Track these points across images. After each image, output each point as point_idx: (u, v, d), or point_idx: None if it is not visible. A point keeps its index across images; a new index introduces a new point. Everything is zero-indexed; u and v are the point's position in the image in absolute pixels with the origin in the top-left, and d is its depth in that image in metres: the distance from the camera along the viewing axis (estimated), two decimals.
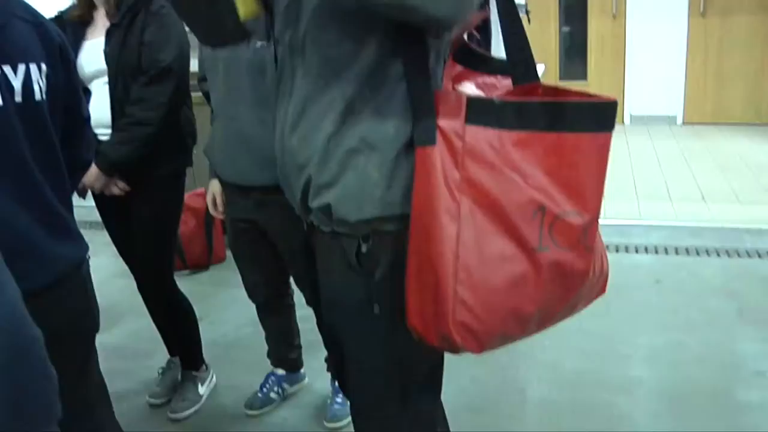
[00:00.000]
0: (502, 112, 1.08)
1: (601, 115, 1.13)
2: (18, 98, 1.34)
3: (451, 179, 1.08)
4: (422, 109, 1.10)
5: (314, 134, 1.19)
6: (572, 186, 1.10)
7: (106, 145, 2.36)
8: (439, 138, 1.08)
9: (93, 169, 2.32)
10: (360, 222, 1.19)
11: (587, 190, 1.12)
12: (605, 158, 1.14)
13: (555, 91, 1.21)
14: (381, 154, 1.15)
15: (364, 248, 1.19)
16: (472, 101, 1.08)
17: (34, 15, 1.43)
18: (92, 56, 2.40)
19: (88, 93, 2.43)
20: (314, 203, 1.23)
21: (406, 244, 1.14)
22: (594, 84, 7.49)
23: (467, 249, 1.07)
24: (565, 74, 7.57)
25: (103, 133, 2.41)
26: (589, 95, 1.16)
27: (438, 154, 1.08)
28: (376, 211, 1.17)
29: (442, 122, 1.09)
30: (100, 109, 2.38)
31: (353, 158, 1.16)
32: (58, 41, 1.46)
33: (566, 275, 1.13)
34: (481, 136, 1.07)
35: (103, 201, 2.50)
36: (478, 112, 1.07)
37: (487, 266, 1.08)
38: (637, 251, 4.06)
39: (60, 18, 2.48)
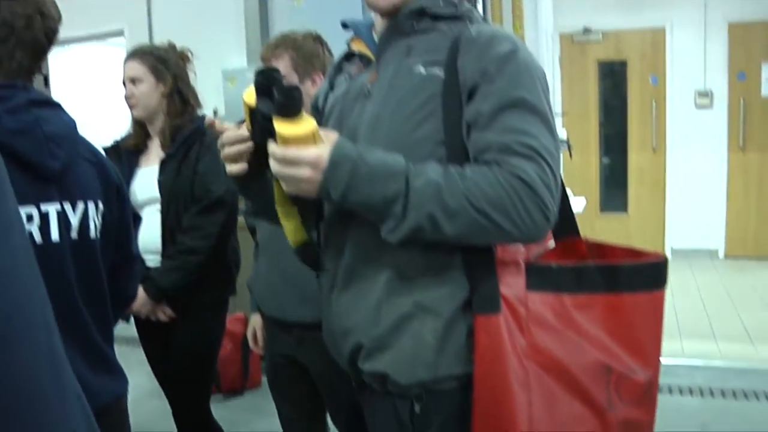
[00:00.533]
0: (561, 277, 1.11)
1: (654, 274, 1.14)
2: (74, 234, 1.37)
3: (518, 346, 1.08)
4: (482, 276, 1.10)
5: (364, 299, 1.19)
6: (633, 343, 1.12)
7: (155, 272, 2.40)
8: (502, 305, 1.09)
9: (141, 294, 2.34)
10: (413, 384, 1.17)
11: (647, 345, 1.14)
12: (661, 313, 1.16)
13: (601, 248, 1.22)
14: (436, 317, 1.14)
15: (417, 408, 1.17)
16: (531, 267, 1.10)
17: (96, 155, 1.49)
18: (146, 184, 2.48)
19: (138, 219, 2.49)
20: (365, 366, 1.21)
21: (459, 404, 1.13)
22: (634, 217, 7.47)
23: (540, 415, 1.07)
24: (605, 206, 7.58)
25: (153, 258, 2.45)
26: (637, 253, 1.18)
27: (503, 321, 1.08)
28: (430, 374, 1.15)
29: (505, 290, 1.10)
30: (150, 235, 2.43)
31: (407, 323, 1.15)
32: (116, 181, 1.51)
33: (635, 429, 1.13)
34: (542, 301, 1.09)
35: (142, 321, 2.50)
36: (538, 277, 1.09)
37: (559, 430, 1.07)
38: (681, 392, 3.90)
39: (116, 146, 2.59)
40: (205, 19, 4.37)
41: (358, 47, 1.31)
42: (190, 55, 2.64)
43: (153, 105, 2.51)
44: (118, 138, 2.65)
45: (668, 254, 7.34)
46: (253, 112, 1.10)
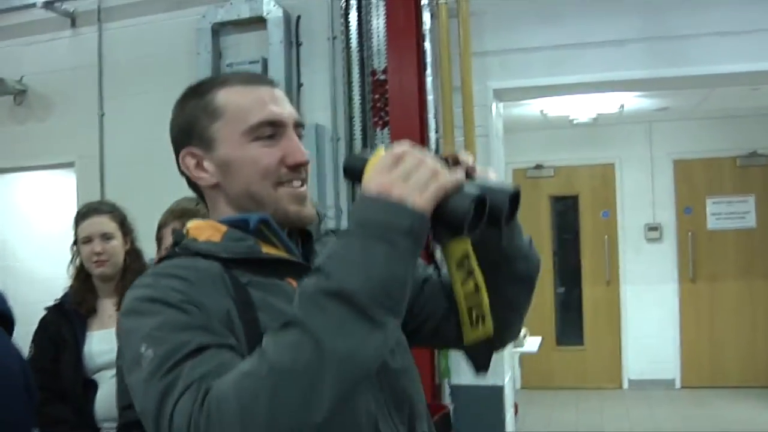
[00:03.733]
0: None
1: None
2: None
3: None
4: None
5: None
6: None
7: None
8: None
9: None
10: None
11: None
12: None
13: None
14: None
15: None
16: None
17: None
18: (105, 348, 2.33)
19: (93, 385, 2.36)
20: None
21: None
22: (590, 349, 7.26)
23: None
24: (561, 340, 7.38)
25: (109, 426, 2.26)
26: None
27: None
28: None
29: None
30: (108, 401, 2.23)
31: None
32: None
33: None
34: None
35: None
36: None
37: None
38: None
39: (60, 306, 2.49)
40: (159, 150, 4.20)
41: (271, 250, 1.18)
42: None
43: (120, 262, 2.47)
44: (61, 296, 2.54)
45: (625, 385, 7.11)
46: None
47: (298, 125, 1.20)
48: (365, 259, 0.92)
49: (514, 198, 1.10)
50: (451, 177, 0.99)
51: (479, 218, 1.03)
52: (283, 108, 1.19)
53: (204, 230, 1.18)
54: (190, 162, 1.19)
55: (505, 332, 1.27)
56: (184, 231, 1.20)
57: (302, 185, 1.19)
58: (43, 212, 5.59)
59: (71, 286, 2.52)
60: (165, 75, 4.24)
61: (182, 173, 1.22)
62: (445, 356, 3.78)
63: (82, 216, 2.51)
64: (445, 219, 0.99)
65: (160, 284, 1.04)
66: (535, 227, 7.33)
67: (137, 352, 0.97)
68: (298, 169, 1.17)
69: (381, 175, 0.98)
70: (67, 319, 2.43)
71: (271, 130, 1.16)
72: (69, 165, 4.80)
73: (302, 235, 1.24)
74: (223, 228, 1.16)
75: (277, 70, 4.03)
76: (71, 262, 2.54)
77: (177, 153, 1.21)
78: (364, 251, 0.93)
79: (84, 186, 4.61)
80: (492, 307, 1.17)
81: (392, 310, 0.93)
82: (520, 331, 1.34)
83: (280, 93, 1.21)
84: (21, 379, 1.40)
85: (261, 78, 1.23)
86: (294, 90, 4.12)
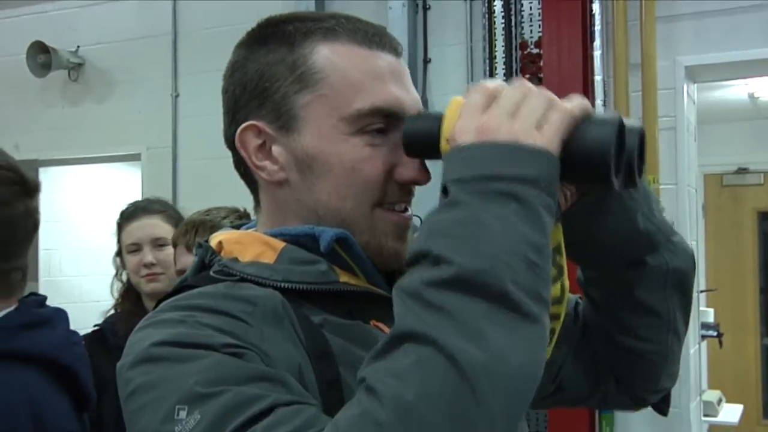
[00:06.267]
0: None
1: None
2: None
3: None
4: None
5: None
6: None
7: None
8: None
9: None
10: None
11: None
12: None
13: None
14: None
15: None
16: None
17: None
18: None
19: None
20: None
21: None
22: None
23: None
24: None
25: None
26: None
27: None
28: None
29: None
30: None
31: None
32: None
33: None
34: None
35: None
36: None
37: None
38: None
39: (101, 334, 2.55)
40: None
41: (351, 280, 1.08)
42: None
43: (175, 276, 2.48)
44: (102, 321, 2.60)
45: None
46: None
47: None
48: (488, 227, 0.83)
49: (642, 139, 1.00)
50: (574, 102, 0.94)
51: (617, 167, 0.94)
52: (407, 91, 1.09)
53: (248, 246, 1.07)
54: (252, 141, 1.08)
55: (659, 362, 1.20)
56: (212, 244, 1.11)
57: (406, 210, 1.10)
58: (96, 216, 5.83)
59: (116, 309, 2.60)
60: None
61: (233, 151, 1.12)
62: (609, 422, 3.79)
63: (127, 218, 2.58)
64: (579, 161, 0.92)
65: (195, 321, 0.93)
66: (734, 253, 7.17)
67: (167, 417, 0.84)
68: (408, 188, 1.09)
69: (475, 117, 0.91)
70: (109, 351, 2.38)
71: (383, 122, 1.06)
72: (134, 158, 5.10)
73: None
74: (280, 244, 1.06)
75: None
76: (116, 277, 2.62)
77: (232, 122, 1.10)
78: (482, 217, 0.83)
79: (151, 184, 4.89)
80: (629, 324, 1.16)
81: (539, 295, 0.83)
82: (677, 367, 1.24)
83: (404, 67, 1.11)
84: None
85: (384, 38, 1.10)
86: (419, 67, 4.21)
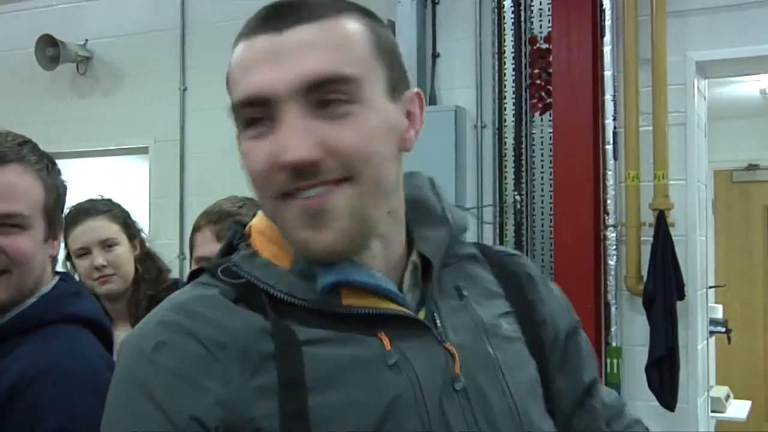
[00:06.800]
0: None
1: None
2: None
3: None
4: None
5: None
6: None
7: None
8: None
9: None
10: None
11: None
12: None
13: None
14: None
15: None
16: None
17: None
18: None
19: None
20: None
21: None
22: None
23: None
24: None
25: None
26: None
27: None
28: None
29: None
30: None
31: None
32: None
33: None
34: None
35: None
36: None
37: None
38: None
39: None
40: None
41: (357, 302, 1.03)
42: None
43: (131, 274, 2.51)
44: None
45: None
46: None
47: (325, 83, 0.97)
48: None
49: None
50: None
51: None
52: (276, 70, 0.98)
53: (268, 242, 1.07)
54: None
55: None
56: (245, 229, 1.12)
57: (314, 195, 0.99)
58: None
59: None
60: None
61: None
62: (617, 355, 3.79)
63: (71, 222, 2.52)
64: None
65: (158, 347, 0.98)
66: (744, 249, 7.14)
67: None
68: (300, 171, 0.98)
69: None
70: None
71: (255, 112, 1.00)
72: (141, 151, 5.11)
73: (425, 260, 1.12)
74: (291, 252, 1.05)
75: (407, 35, 4.10)
76: None
77: None
78: None
79: (159, 177, 4.93)
80: None
81: None
82: None
83: (291, 40, 0.99)
84: None
85: (268, 19, 1.02)
86: (428, 61, 4.20)
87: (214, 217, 2.19)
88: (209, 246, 2.08)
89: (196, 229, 2.24)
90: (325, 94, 0.97)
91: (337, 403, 0.94)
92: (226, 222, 2.08)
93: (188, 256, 2.39)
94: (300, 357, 0.96)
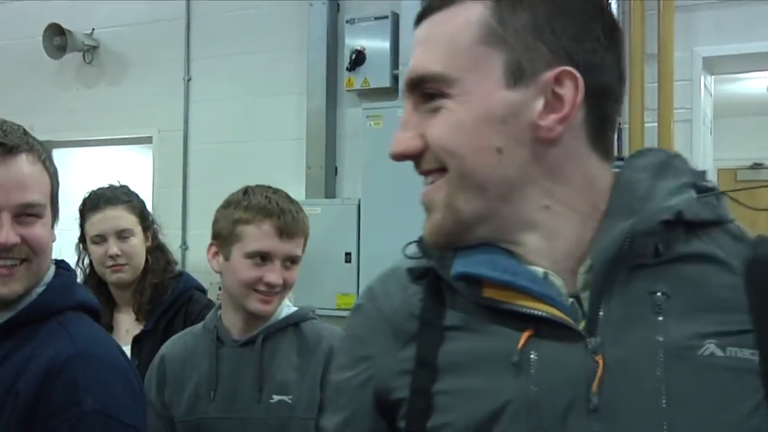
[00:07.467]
0: None
1: None
2: None
3: None
4: None
5: None
6: None
7: None
8: None
9: None
10: None
11: None
12: None
13: None
14: None
15: None
16: None
17: None
18: None
19: None
20: None
21: None
22: None
23: None
24: None
25: None
26: None
27: None
28: None
29: None
30: None
31: None
32: None
33: None
34: None
35: None
36: None
37: None
38: None
39: None
40: (257, 125, 4.41)
41: (498, 295, 1.00)
42: None
43: (141, 265, 2.54)
44: None
45: None
46: None
47: (421, 80, 1.02)
48: None
49: None
50: None
51: None
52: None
53: None
54: None
55: None
56: None
57: (427, 185, 1.05)
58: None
59: None
60: (267, 31, 4.42)
61: None
62: None
63: (91, 208, 2.56)
64: None
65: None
66: None
67: None
68: (413, 161, 1.06)
69: None
70: None
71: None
72: (145, 140, 5.11)
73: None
74: None
75: (411, 29, 4.07)
76: (78, 264, 2.60)
77: None
78: None
79: (162, 166, 4.92)
80: None
81: None
82: None
83: (419, 34, 1.04)
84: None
85: (424, 7, 1.08)
86: None
87: (276, 211, 2.07)
88: (268, 241, 2.02)
89: (246, 221, 2.07)
90: (425, 90, 1.01)
91: (459, 391, 0.98)
92: (288, 215, 2.04)
93: (189, 247, 2.38)
94: (437, 341, 1.02)
